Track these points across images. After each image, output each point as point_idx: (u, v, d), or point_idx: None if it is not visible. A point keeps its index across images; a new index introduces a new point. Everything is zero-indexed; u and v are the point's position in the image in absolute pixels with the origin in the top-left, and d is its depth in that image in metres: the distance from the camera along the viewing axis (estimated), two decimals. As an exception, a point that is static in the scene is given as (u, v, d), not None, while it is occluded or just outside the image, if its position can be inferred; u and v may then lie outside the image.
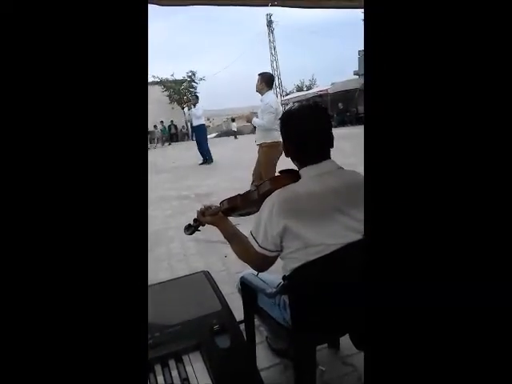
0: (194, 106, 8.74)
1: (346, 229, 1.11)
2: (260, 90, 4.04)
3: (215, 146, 9.57)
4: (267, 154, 4.05)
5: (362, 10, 0.67)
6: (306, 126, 1.17)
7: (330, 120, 1.29)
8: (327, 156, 1.21)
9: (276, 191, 1.16)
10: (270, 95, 4.10)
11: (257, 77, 4.08)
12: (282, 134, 1.25)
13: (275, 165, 4.00)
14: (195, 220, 1.44)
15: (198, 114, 8.76)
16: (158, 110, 22.87)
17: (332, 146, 1.22)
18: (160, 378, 0.85)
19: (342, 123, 17.71)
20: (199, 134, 9.00)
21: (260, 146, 4.16)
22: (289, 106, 1.30)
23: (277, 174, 1.31)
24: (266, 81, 4.05)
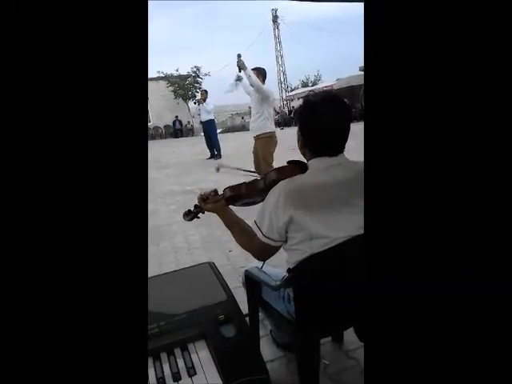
0: (204, 100, 8.74)
1: (352, 222, 1.10)
2: None
3: (221, 141, 9.53)
4: (266, 145, 4.20)
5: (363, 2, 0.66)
6: (327, 117, 1.13)
7: (351, 116, 1.23)
8: (341, 151, 1.19)
9: (283, 181, 1.15)
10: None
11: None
12: (298, 121, 1.21)
13: (273, 155, 4.19)
14: (196, 206, 1.39)
15: (209, 109, 8.80)
16: (163, 106, 22.91)
17: (346, 142, 1.19)
18: (166, 366, 0.86)
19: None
20: (209, 129, 9.01)
21: (257, 137, 4.27)
22: (305, 96, 1.25)
23: (284, 164, 1.29)
24: (263, 74, 4.21)
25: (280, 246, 1.19)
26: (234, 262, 2.72)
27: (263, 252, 1.22)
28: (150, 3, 0.71)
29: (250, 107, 4.82)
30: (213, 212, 1.32)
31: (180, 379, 0.83)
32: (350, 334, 1.42)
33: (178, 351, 0.90)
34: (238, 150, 9.22)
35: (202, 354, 0.88)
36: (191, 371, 0.84)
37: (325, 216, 1.10)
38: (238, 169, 1.41)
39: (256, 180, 1.31)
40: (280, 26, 30.78)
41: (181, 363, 0.87)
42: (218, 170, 1.49)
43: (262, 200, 1.20)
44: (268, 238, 1.15)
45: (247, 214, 1.40)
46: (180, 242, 3.38)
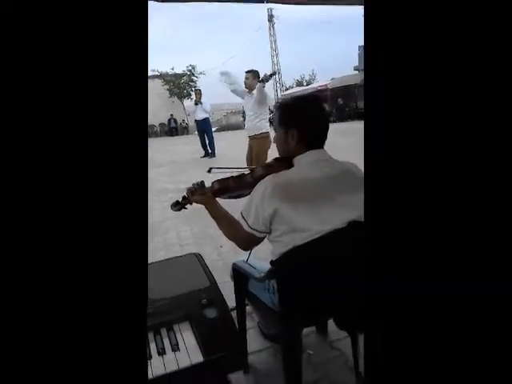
0: (199, 99, 8.78)
1: (336, 216, 1.15)
2: (254, 86, 4.25)
3: (216, 140, 9.55)
4: (261, 144, 4.31)
5: (362, 6, 0.69)
6: (312, 114, 1.23)
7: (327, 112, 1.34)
8: (322, 145, 1.27)
9: (270, 175, 1.20)
10: None
11: (245, 74, 4.34)
12: (284, 119, 1.27)
13: (267, 154, 4.30)
14: (184, 197, 1.45)
15: (208, 109, 8.85)
16: (158, 104, 22.79)
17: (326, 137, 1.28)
18: (152, 345, 0.93)
19: (342, 118, 17.66)
20: (205, 127, 9.04)
21: (254, 137, 4.38)
22: (292, 94, 1.34)
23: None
24: (258, 76, 4.28)
25: (264, 237, 1.24)
26: (225, 257, 2.78)
27: (248, 242, 1.28)
28: (149, 3, 0.72)
29: (243, 106, 4.90)
30: (200, 203, 1.37)
31: (164, 354, 0.90)
32: (334, 325, 1.47)
33: (163, 331, 0.96)
34: (235, 149, 9.23)
35: (185, 334, 0.95)
36: (175, 347, 0.91)
37: (309, 210, 1.14)
38: (229, 168, 1.47)
39: (244, 174, 1.35)
40: (275, 26, 30.86)
41: (166, 342, 0.93)
42: (209, 171, 1.56)
43: (249, 194, 1.25)
44: (253, 229, 1.20)
45: (234, 208, 1.45)
46: (172, 237, 3.43)
